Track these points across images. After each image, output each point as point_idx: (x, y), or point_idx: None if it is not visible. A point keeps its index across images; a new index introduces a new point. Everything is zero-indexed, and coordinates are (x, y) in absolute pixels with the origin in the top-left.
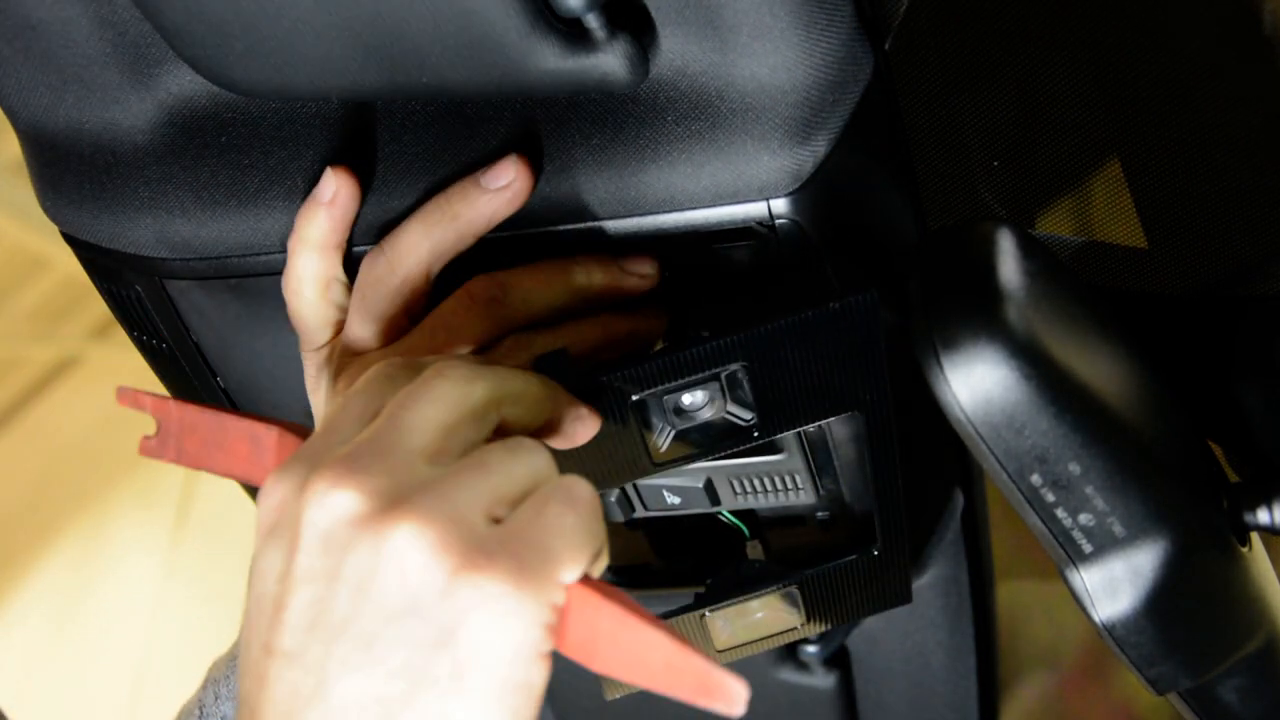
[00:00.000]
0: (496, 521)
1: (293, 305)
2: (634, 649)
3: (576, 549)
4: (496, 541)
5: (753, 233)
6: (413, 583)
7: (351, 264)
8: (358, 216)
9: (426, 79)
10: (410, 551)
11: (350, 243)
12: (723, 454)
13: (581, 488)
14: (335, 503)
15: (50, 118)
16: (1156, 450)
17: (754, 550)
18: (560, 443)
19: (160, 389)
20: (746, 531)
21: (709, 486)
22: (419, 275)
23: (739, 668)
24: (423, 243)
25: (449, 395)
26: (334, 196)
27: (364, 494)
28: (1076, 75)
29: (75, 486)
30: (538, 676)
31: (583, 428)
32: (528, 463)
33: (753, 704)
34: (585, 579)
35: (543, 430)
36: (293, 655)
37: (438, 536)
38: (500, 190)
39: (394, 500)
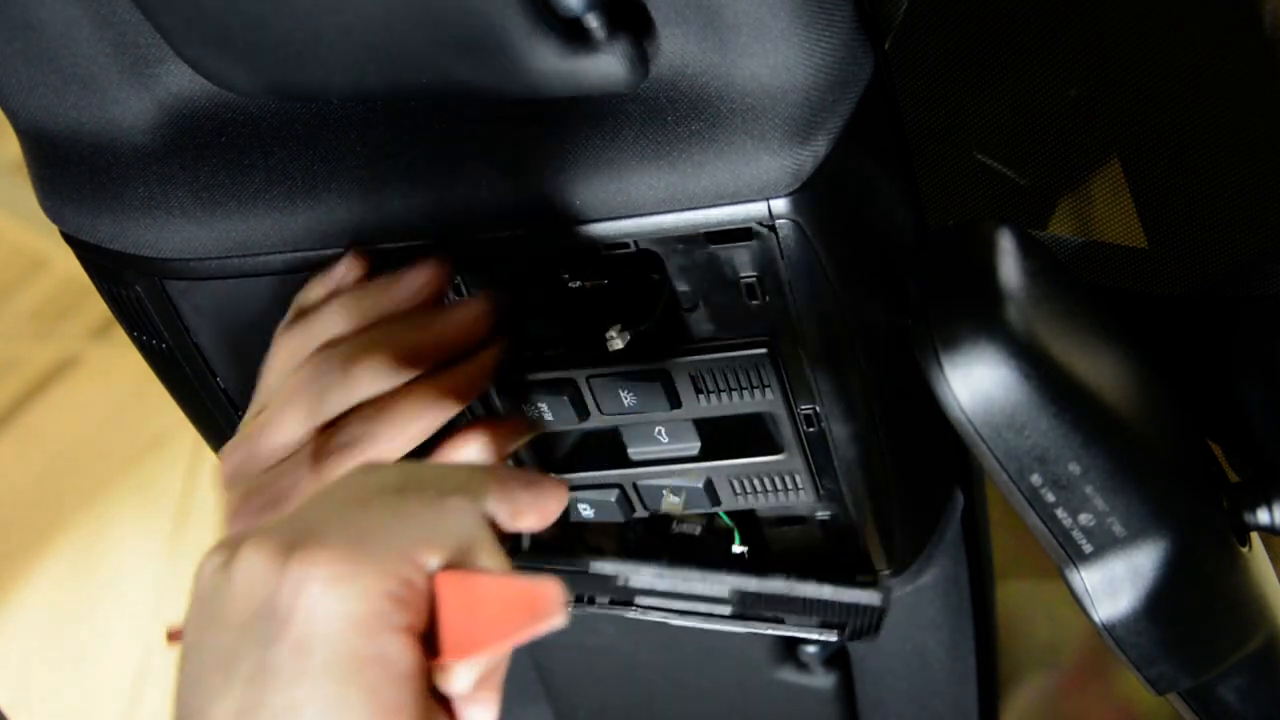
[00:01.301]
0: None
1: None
2: (486, 606)
3: (431, 540)
4: (338, 530)
5: (753, 233)
6: (254, 585)
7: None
8: (351, 214)
9: (427, 79)
10: (250, 561)
11: (344, 242)
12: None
13: (470, 481)
14: (205, 563)
15: (50, 118)
16: (1156, 450)
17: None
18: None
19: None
20: (738, 536)
21: (709, 487)
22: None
23: (736, 667)
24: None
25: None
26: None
27: (223, 545)
28: (1076, 75)
29: (75, 486)
30: (395, 651)
31: (539, 505)
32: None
33: (753, 704)
34: (459, 569)
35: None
36: (188, 708)
37: (275, 540)
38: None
39: (245, 535)
